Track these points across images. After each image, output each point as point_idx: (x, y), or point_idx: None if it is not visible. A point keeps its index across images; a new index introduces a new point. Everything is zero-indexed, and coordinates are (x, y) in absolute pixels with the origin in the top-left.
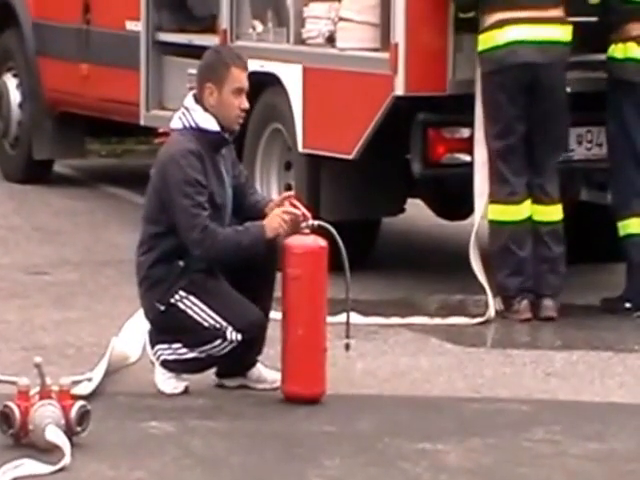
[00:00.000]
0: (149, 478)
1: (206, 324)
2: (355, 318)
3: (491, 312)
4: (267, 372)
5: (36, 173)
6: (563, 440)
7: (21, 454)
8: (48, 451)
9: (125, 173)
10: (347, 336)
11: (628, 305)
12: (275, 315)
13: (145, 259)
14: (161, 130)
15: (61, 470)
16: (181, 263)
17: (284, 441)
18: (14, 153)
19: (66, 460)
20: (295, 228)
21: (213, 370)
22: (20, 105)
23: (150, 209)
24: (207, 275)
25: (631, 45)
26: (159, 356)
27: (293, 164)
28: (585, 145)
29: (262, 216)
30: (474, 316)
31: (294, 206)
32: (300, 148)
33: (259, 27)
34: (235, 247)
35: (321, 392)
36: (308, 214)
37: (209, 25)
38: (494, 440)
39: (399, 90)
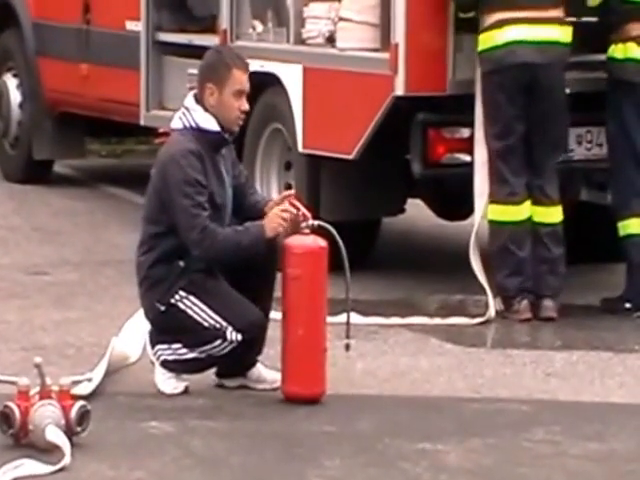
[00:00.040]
0: (149, 478)
1: (206, 324)
2: (355, 318)
3: (491, 312)
4: (267, 372)
5: (36, 173)
6: (563, 440)
7: (21, 454)
8: (48, 451)
9: (125, 173)
10: (347, 336)
11: (628, 305)
12: (275, 315)
13: (145, 259)
14: (161, 130)
15: (61, 470)
16: (181, 263)
17: (284, 441)
18: (14, 153)
19: (66, 460)
20: (295, 228)
21: (213, 370)
22: (20, 105)
23: (150, 209)
24: (207, 275)
25: (631, 45)
26: (159, 356)
27: (293, 164)
28: (585, 145)
29: (262, 216)
30: (474, 316)
31: (293, 205)
32: (300, 148)
33: (259, 27)
34: (235, 247)
35: (321, 392)
36: (308, 214)
37: (209, 25)
38: (494, 440)
39: (399, 90)
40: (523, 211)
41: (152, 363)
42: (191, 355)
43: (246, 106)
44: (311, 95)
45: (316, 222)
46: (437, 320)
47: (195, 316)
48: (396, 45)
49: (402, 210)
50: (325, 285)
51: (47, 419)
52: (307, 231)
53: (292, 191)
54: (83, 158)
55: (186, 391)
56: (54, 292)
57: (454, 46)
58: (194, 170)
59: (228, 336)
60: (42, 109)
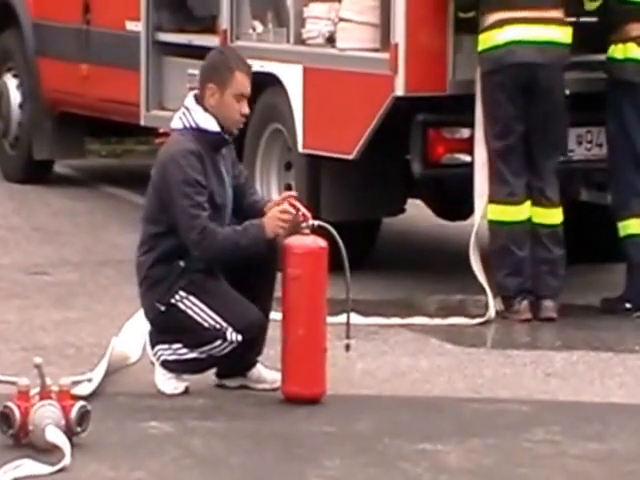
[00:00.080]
0: (149, 478)
1: (206, 325)
2: (355, 318)
3: (491, 312)
4: (267, 372)
5: (36, 173)
6: (563, 440)
7: (21, 454)
8: (48, 451)
9: (125, 173)
10: (347, 336)
11: (628, 305)
12: (275, 315)
13: (145, 259)
14: (161, 130)
15: (61, 470)
16: (181, 263)
17: (284, 441)
18: (14, 153)
19: (66, 460)
20: (295, 228)
21: (213, 370)
22: (20, 105)
23: (150, 209)
24: (207, 275)
25: (631, 46)
26: (159, 356)
27: (293, 164)
28: (585, 145)
29: (261, 216)
30: (474, 316)
31: (293, 206)
32: (300, 148)
33: (259, 27)
34: (234, 247)
35: (321, 392)
36: (308, 214)
37: (209, 25)
38: (494, 440)
39: (399, 90)
40: (523, 211)
41: (152, 363)
42: (191, 355)
43: (246, 110)
44: (311, 95)
45: (316, 222)
46: (437, 320)
47: (195, 316)
48: (396, 45)
49: (402, 210)
50: (325, 285)
51: (47, 419)
52: (307, 231)
53: (292, 192)
54: (83, 158)
55: (186, 391)
56: (54, 292)
57: (454, 46)
58: (194, 170)
59: (228, 336)
60: (42, 109)
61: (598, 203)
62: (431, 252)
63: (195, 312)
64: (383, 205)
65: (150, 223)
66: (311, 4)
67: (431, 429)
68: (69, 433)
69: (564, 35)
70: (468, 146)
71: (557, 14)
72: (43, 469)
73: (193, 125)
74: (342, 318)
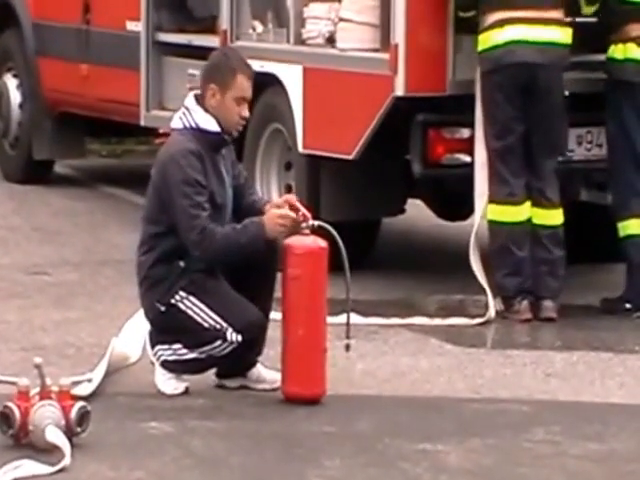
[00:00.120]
0: (149, 478)
1: (206, 325)
2: (355, 318)
3: (491, 313)
4: (267, 372)
5: (36, 173)
6: (563, 441)
7: (21, 455)
8: (48, 452)
9: (125, 173)
10: (347, 336)
11: (628, 306)
12: (275, 315)
13: (145, 259)
14: (161, 131)
15: (61, 471)
16: (181, 263)
17: (284, 441)
18: (14, 153)
19: (66, 461)
20: (295, 228)
21: (213, 371)
22: (20, 105)
23: (150, 209)
24: (207, 275)
25: (631, 46)
26: (159, 357)
27: (293, 164)
28: (585, 146)
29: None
30: (474, 317)
31: (293, 207)
32: (300, 148)
33: (259, 28)
34: (233, 246)
35: (321, 392)
36: (308, 214)
37: (209, 26)
38: (494, 441)
39: (399, 90)
40: (522, 212)
41: (152, 363)
42: (191, 355)
43: (246, 113)
44: (311, 95)
45: (316, 222)
46: (437, 320)
47: (195, 317)
48: (396, 45)
49: (402, 210)
50: (325, 285)
51: (47, 419)
52: (307, 231)
53: (292, 194)
54: (83, 158)
55: (186, 391)
56: (54, 292)
57: (454, 46)
58: (194, 170)
59: (228, 337)
60: (42, 109)
61: (598, 203)
62: (431, 252)
63: (195, 312)
64: (383, 205)
65: (150, 223)
66: (311, 4)
67: (431, 429)
68: (69, 433)
69: (564, 36)
70: (468, 146)
71: (557, 14)
72: (43, 469)
73: (193, 125)
74: (342, 318)
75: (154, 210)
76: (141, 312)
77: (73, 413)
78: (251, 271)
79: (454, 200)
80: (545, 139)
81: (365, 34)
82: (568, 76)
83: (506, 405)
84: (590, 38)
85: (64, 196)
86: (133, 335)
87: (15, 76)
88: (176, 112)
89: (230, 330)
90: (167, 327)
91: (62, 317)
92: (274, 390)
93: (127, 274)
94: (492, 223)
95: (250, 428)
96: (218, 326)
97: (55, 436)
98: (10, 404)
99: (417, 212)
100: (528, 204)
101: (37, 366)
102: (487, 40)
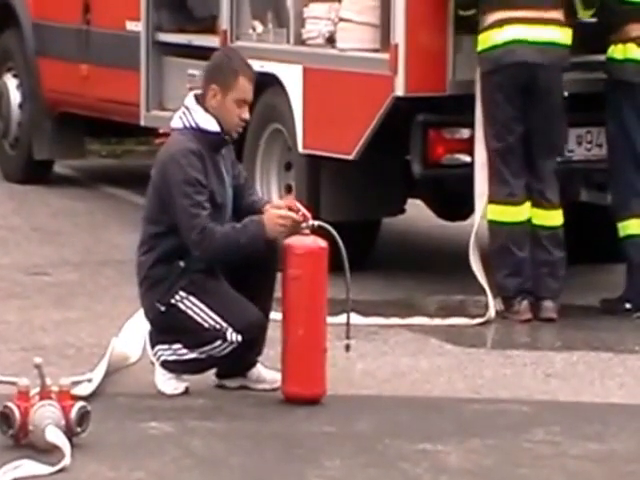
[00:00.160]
0: (149, 478)
1: (206, 325)
2: (355, 318)
3: (491, 313)
4: (267, 372)
5: (36, 173)
6: (563, 441)
7: (21, 455)
8: (48, 452)
9: (125, 174)
10: (347, 337)
11: (628, 306)
12: (275, 315)
13: (146, 259)
14: (161, 131)
15: (61, 471)
16: (181, 263)
17: (284, 442)
18: (14, 153)
19: (66, 461)
20: (295, 229)
21: (213, 371)
22: (20, 105)
23: (150, 209)
24: (207, 275)
25: (630, 46)
26: (159, 357)
27: (293, 164)
28: (585, 146)
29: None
30: (474, 317)
31: (294, 207)
32: (300, 148)
33: (259, 28)
34: (233, 245)
35: (321, 393)
36: (308, 215)
37: (209, 26)
38: (494, 441)
39: (399, 91)
40: (522, 212)
41: (152, 364)
42: (191, 356)
43: (246, 115)
44: (311, 95)
45: (316, 222)
46: (437, 320)
47: (195, 317)
48: (396, 46)
49: (402, 210)
50: (325, 285)
51: (47, 419)
52: (307, 232)
53: (292, 196)
54: (83, 158)
55: (186, 392)
56: (54, 292)
57: (454, 47)
58: (194, 169)
59: (228, 337)
60: (42, 109)
61: (598, 203)
62: (431, 252)
63: (195, 312)
64: (383, 205)
65: (150, 223)
66: (311, 4)
67: (431, 429)
68: (69, 433)
69: (564, 36)
70: (468, 146)
71: (557, 15)
72: (43, 469)
73: (193, 125)
74: (342, 318)
75: (154, 210)
76: (141, 312)
77: (73, 413)
78: (251, 271)
79: (454, 200)
80: (545, 139)
81: (365, 34)
82: (568, 76)
83: (506, 405)
84: (590, 38)
85: (64, 196)
86: (133, 335)
87: (15, 76)
88: (176, 112)
89: (230, 330)
90: (167, 327)
91: (62, 317)
92: (274, 390)
93: (127, 274)
94: (492, 223)
95: (250, 428)
96: (218, 326)
97: (55, 436)
98: (10, 404)
99: (417, 212)
100: (528, 204)
101: (37, 366)
102: (487, 40)
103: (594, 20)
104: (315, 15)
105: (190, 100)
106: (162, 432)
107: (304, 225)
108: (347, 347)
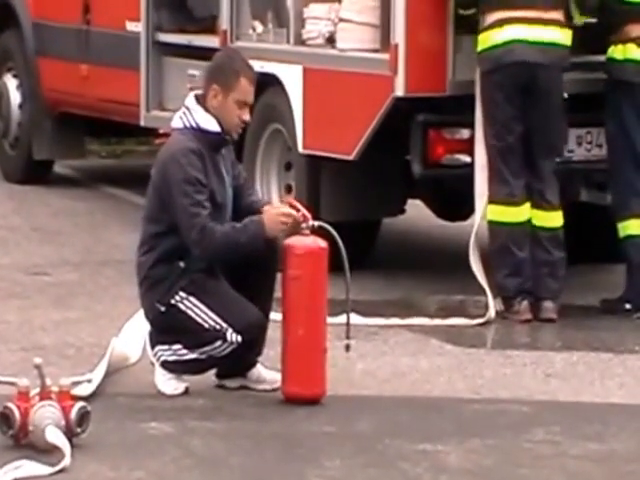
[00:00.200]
0: (149, 478)
1: (206, 325)
2: (355, 319)
3: (491, 313)
4: (267, 372)
5: (36, 173)
6: (563, 441)
7: (21, 455)
8: (48, 452)
9: (125, 174)
10: (347, 337)
11: (628, 306)
12: (275, 316)
13: (146, 259)
14: (161, 131)
15: (61, 471)
16: (182, 264)
17: (284, 442)
18: (14, 153)
19: (66, 461)
20: (295, 229)
21: (213, 371)
22: (20, 106)
23: (151, 208)
24: (207, 276)
25: (630, 46)
26: (159, 357)
27: (293, 165)
28: (585, 146)
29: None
30: (474, 317)
31: (293, 207)
32: (300, 149)
33: (259, 28)
34: (233, 244)
35: (321, 393)
36: (308, 215)
37: (209, 26)
38: (494, 441)
39: (399, 91)
40: (522, 212)
41: (152, 364)
42: (191, 356)
43: (247, 116)
44: (311, 96)
45: (316, 223)
46: (437, 321)
47: (195, 317)
48: (396, 46)
49: (402, 210)
50: (325, 285)
51: (47, 420)
52: (307, 232)
53: (292, 196)
54: (83, 158)
55: (186, 392)
56: (54, 292)
57: (454, 47)
58: (194, 169)
59: (228, 337)
60: (42, 109)
61: (598, 203)
62: (431, 252)
63: (195, 313)
64: (383, 205)
65: (151, 223)
66: (311, 4)
67: (431, 429)
68: (69, 434)
69: (564, 37)
70: (468, 147)
71: (557, 15)
72: (43, 469)
73: (194, 125)
74: (342, 318)
75: (154, 209)
76: (141, 312)
77: (73, 413)
78: (251, 271)
79: (454, 200)
80: (545, 139)
81: (365, 34)
82: (568, 77)
83: (506, 405)
84: (590, 38)
85: (64, 196)
86: (133, 335)
87: (15, 76)
88: (176, 112)
89: (230, 330)
90: (167, 327)
91: (62, 317)
92: (274, 390)
93: (127, 274)
94: (492, 223)
95: (250, 428)
96: (218, 326)
97: (55, 436)
98: (10, 404)
99: (417, 212)
100: (528, 205)
101: (37, 366)
102: (487, 40)
103: (594, 20)
104: (315, 15)
105: (190, 100)
106: (162, 432)
107: (304, 225)
108: (347, 347)
